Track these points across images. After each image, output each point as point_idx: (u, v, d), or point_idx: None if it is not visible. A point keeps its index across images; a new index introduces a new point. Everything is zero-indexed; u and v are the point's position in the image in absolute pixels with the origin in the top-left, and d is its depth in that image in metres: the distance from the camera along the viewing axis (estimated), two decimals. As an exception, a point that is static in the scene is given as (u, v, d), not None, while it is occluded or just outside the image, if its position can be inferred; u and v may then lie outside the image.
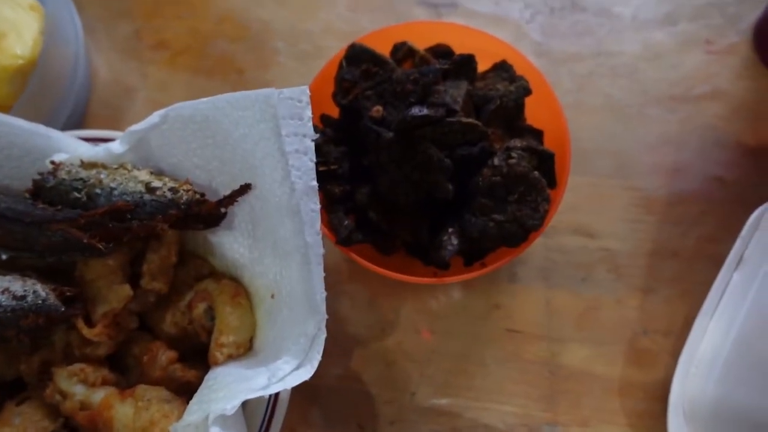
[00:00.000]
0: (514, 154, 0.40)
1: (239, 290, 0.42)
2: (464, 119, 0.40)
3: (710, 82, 0.57)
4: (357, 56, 0.44)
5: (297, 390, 0.37)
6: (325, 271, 0.35)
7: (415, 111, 0.38)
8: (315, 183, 0.35)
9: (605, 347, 0.49)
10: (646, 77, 0.57)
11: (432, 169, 0.40)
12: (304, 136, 0.35)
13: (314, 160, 0.35)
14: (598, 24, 0.59)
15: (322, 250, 0.35)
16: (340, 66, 0.45)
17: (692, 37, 0.58)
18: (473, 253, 0.44)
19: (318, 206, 0.35)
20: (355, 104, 0.43)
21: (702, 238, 0.52)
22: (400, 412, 0.48)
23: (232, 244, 0.42)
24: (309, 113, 0.35)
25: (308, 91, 0.34)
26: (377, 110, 0.41)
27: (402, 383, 0.49)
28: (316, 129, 0.42)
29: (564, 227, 0.52)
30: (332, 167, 0.43)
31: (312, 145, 0.35)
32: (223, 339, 0.40)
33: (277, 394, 0.40)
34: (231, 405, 0.34)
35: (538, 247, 0.52)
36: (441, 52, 0.47)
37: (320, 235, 0.35)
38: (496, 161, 0.40)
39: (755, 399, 0.44)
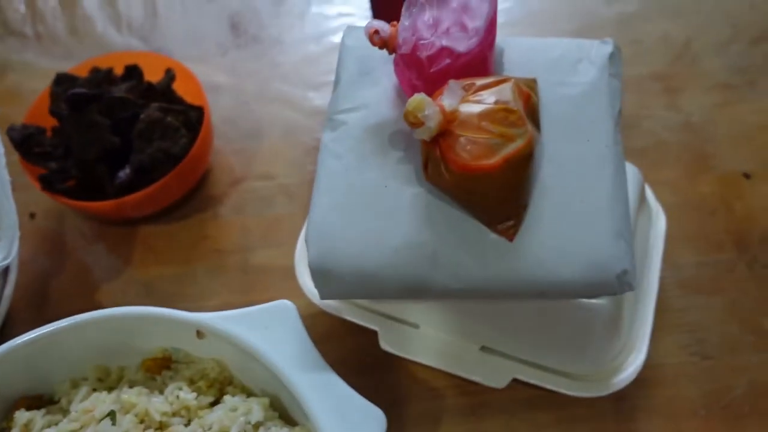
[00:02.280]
0: (151, 111, 0.61)
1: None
2: (118, 95, 0.61)
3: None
4: (64, 80, 0.66)
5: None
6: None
7: (77, 90, 0.59)
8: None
9: (283, 247, 0.68)
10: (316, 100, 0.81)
11: (98, 128, 0.60)
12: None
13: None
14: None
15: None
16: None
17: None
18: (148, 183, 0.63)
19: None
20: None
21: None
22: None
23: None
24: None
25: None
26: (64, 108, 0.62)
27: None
28: (35, 127, 0.63)
29: (253, 176, 0.73)
30: (47, 150, 0.63)
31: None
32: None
33: None
34: None
35: (235, 191, 0.72)
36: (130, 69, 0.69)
37: None
38: (141, 116, 0.61)
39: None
